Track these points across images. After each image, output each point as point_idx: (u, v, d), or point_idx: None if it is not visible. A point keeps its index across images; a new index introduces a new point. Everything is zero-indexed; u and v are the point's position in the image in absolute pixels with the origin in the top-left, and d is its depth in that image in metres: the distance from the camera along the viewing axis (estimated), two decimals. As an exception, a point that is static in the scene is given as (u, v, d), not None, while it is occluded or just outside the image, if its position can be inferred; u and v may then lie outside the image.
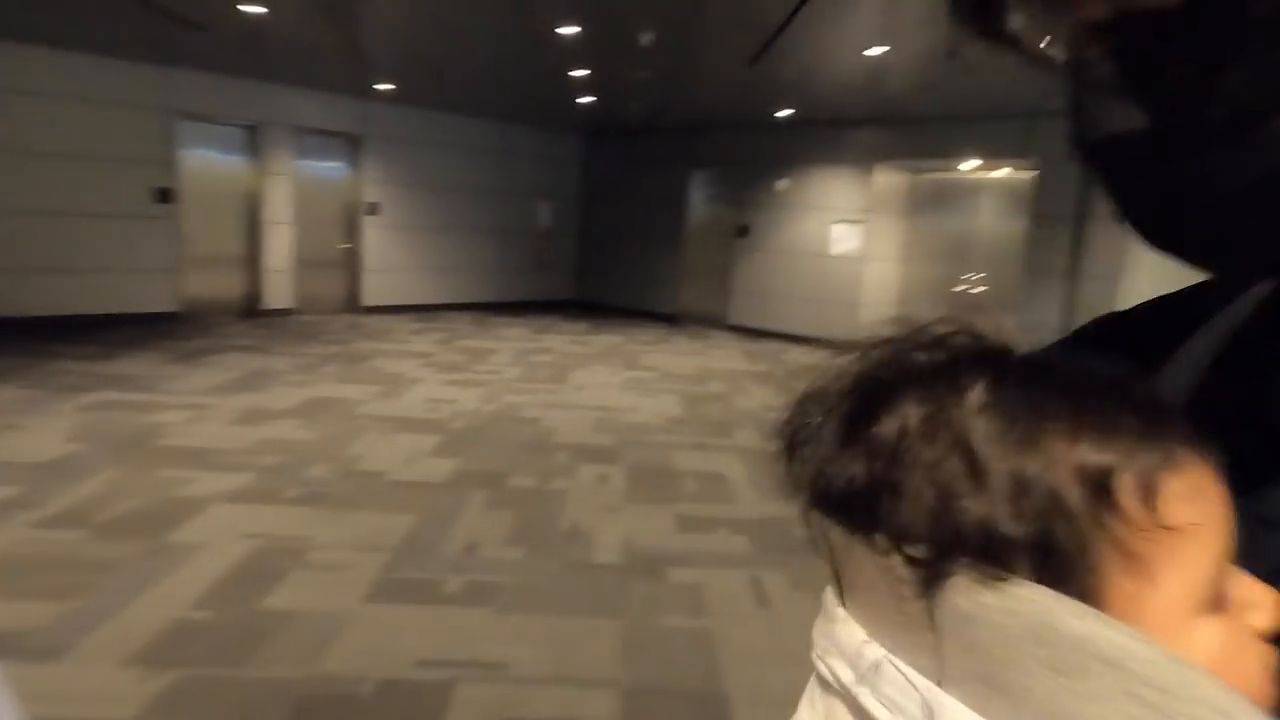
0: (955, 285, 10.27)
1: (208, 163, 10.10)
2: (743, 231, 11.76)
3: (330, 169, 11.20)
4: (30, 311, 8.75)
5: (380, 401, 6.63)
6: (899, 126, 9.96)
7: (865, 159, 10.44)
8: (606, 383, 7.93)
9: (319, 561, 3.67)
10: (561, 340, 10.35)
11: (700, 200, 12.53)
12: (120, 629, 3.02)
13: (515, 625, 3.22)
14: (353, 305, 11.38)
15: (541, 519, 4.35)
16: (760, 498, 4.86)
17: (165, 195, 9.59)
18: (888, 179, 10.44)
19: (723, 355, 9.95)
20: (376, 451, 5.31)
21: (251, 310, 10.55)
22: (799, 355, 9.98)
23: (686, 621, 3.34)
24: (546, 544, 4.04)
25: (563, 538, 4.12)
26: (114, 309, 9.36)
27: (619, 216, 13.48)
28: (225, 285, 10.42)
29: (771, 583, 3.71)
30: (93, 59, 8.77)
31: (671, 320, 12.45)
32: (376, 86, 10.08)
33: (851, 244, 10.62)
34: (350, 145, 11.17)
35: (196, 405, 6.18)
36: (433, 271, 12.19)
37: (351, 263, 11.39)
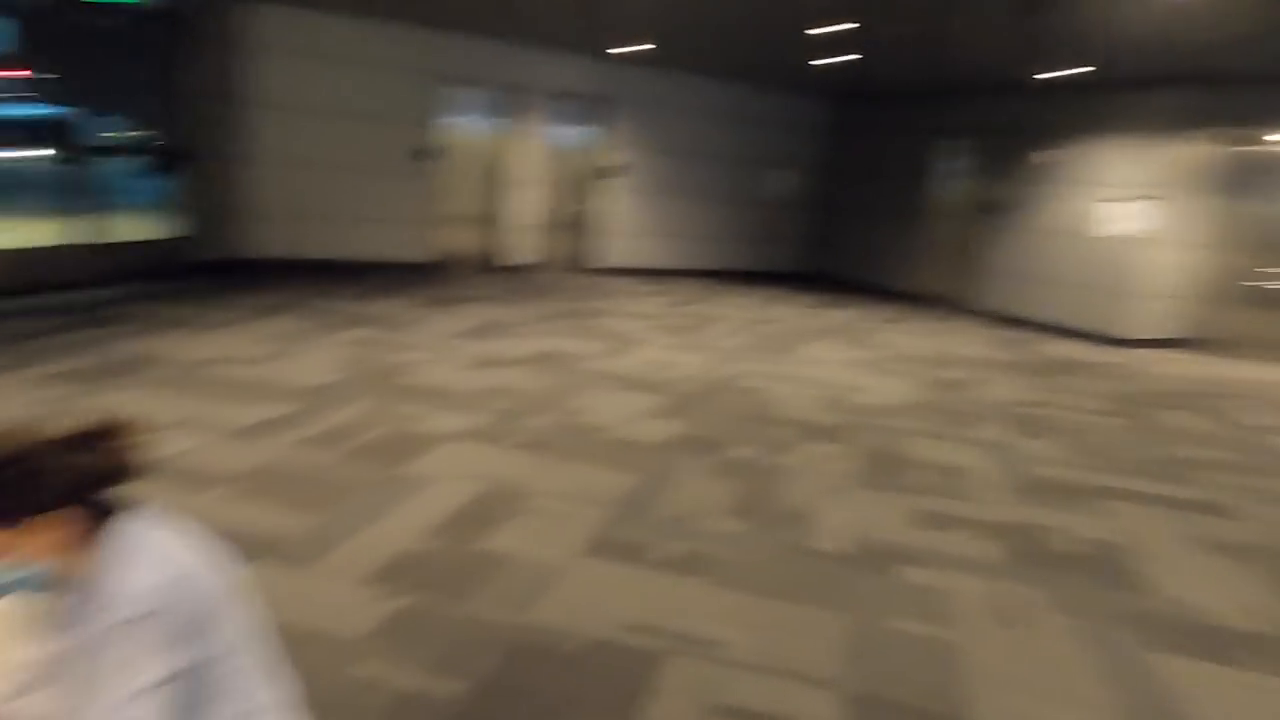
0: (1251, 278, 8.67)
1: (462, 124, 10.73)
2: (993, 207, 10.65)
3: (576, 132, 11.52)
4: (309, 254, 9.81)
5: (606, 359, 6.68)
6: (1203, 88, 8.47)
7: (1151, 126, 8.99)
8: (836, 359, 7.49)
9: (539, 509, 3.68)
10: (790, 312, 9.98)
11: (946, 171, 11.51)
12: (358, 549, 3.18)
13: (730, 603, 3.01)
14: (588, 265, 11.71)
15: (762, 494, 4.10)
16: (1011, 499, 4.29)
17: (423, 154, 10.33)
18: (1177, 150, 8.92)
19: (965, 340, 9.09)
20: (599, 407, 5.32)
21: (494, 265, 11.17)
22: (1054, 347, 8.90)
23: (921, 628, 2.96)
24: (767, 521, 3.79)
25: (785, 517, 3.85)
26: (376, 257, 10.26)
27: (857, 187, 12.76)
28: (472, 240, 11.10)
29: (1024, 599, 3.22)
30: (366, 24, 9.55)
31: (909, 299, 11.61)
32: (624, 49, 10.15)
33: (1126, 224, 9.23)
34: (597, 108, 11.40)
35: (438, 348, 6.56)
36: (667, 236, 12.26)
37: (590, 224, 11.71)
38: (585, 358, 6.66)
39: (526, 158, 11.09)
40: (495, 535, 3.39)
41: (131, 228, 8.82)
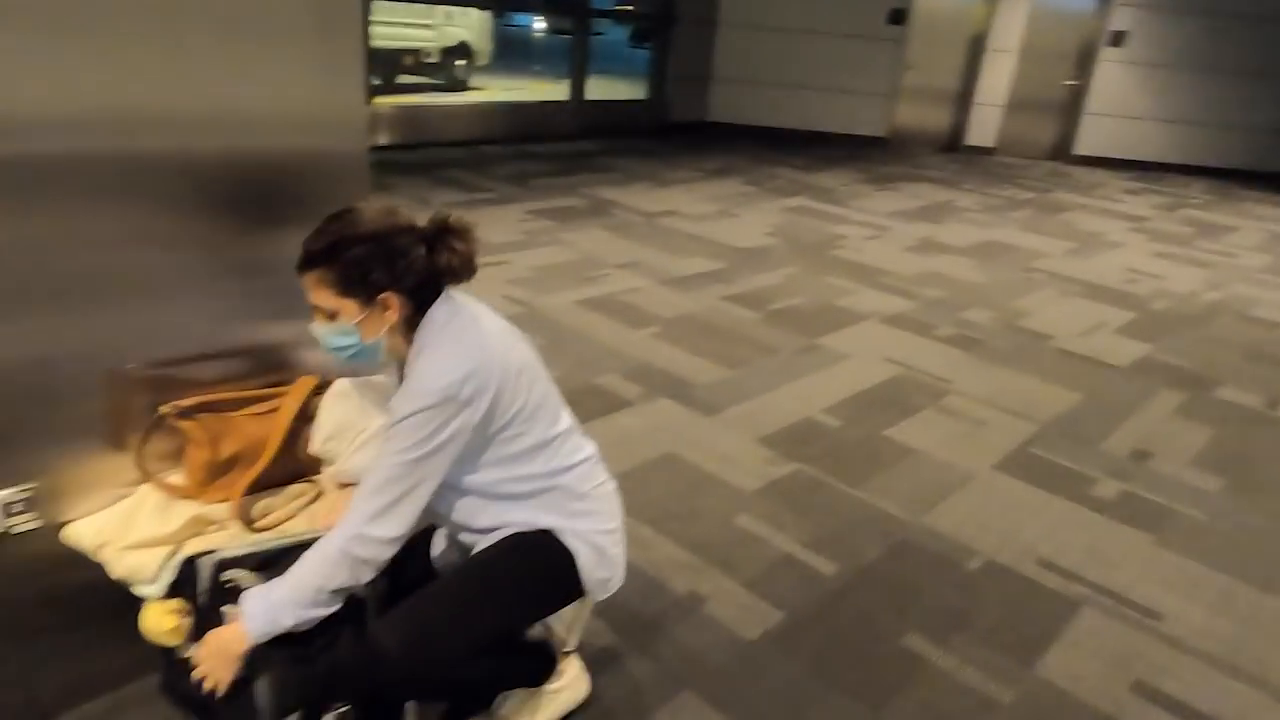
0: None
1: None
2: None
3: (1076, -9, 9.71)
4: (762, 121, 9.93)
5: (1066, 259, 5.75)
6: None
7: None
8: None
9: (955, 408, 3.33)
10: (1341, 233, 7.57)
11: None
12: (762, 408, 3.19)
13: (1182, 571, 2.43)
14: (1061, 152, 10.10)
15: (1254, 452, 3.21)
16: None
17: (898, 17, 9.60)
18: None
19: None
20: (1048, 312, 4.61)
21: (952, 145, 10.22)
22: None
23: None
24: (1253, 486, 2.97)
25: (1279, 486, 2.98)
26: (827, 128, 10.02)
27: None
28: (932, 117, 10.22)
29: None
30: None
31: None
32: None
33: None
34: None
35: (876, 226, 6.23)
36: (1169, 122, 9.92)
37: (1072, 103, 9.99)
38: (1041, 255, 5.80)
39: (1012, 23, 9.70)
40: (902, 425, 3.15)
41: (612, 89, 9.76)
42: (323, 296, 1.35)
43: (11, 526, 1.45)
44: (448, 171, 6.83)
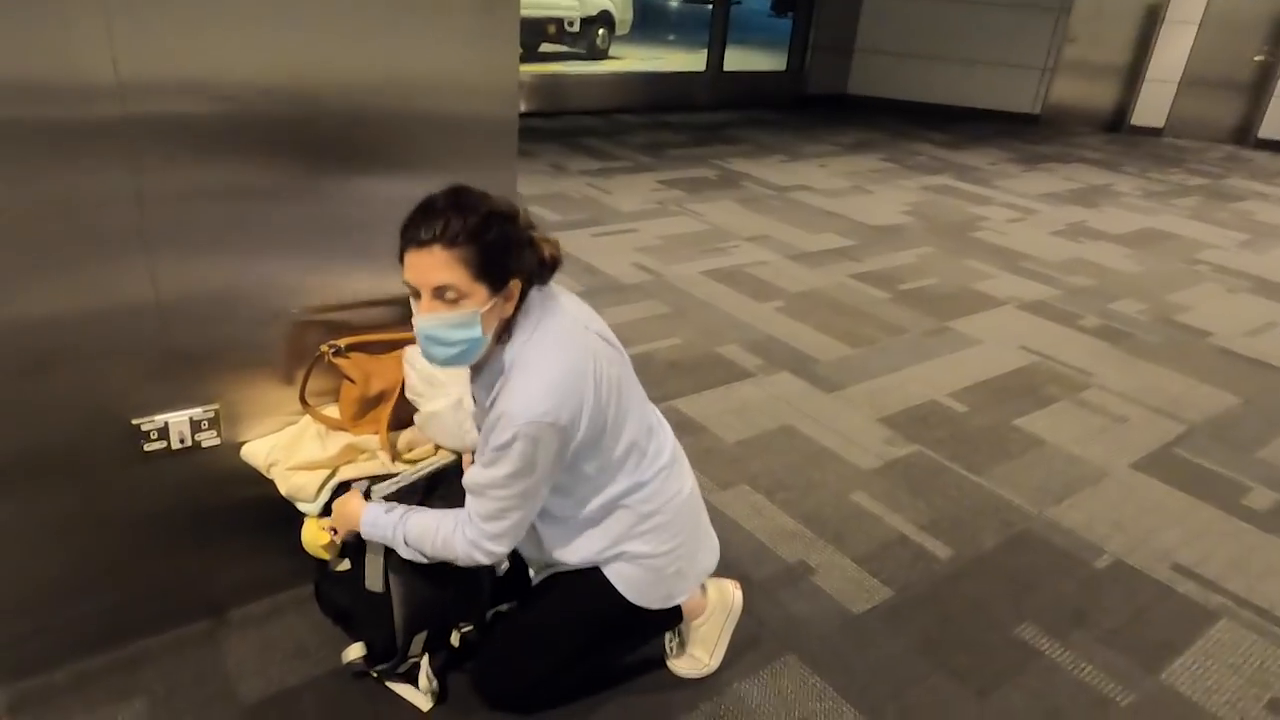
0: None
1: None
2: None
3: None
4: (903, 95, 9.55)
5: (1236, 252, 5.29)
6: None
7: None
8: None
9: (1094, 402, 3.17)
10: None
11: None
12: (885, 388, 3.15)
13: (1341, 591, 2.25)
14: (1242, 135, 9.21)
15: None
16: None
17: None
18: None
19: None
20: (1209, 307, 4.28)
21: (1115, 124, 9.51)
22: None
23: None
24: None
25: None
26: (975, 103, 9.52)
27: None
28: (1093, 94, 9.52)
29: None
30: None
31: None
32: None
33: None
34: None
35: (1023, 208, 5.92)
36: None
37: (1260, 81, 9.07)
38: (1208, 246, 5.36)
39: (1194, -9, 8.88)
40: (1034, 416, 3.03)
41: (749, 60, 9.63)
42: (455, 276, 1.22)
43: (200, 440, 1.64)
44: (583, 139, 6.97)
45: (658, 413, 1.61)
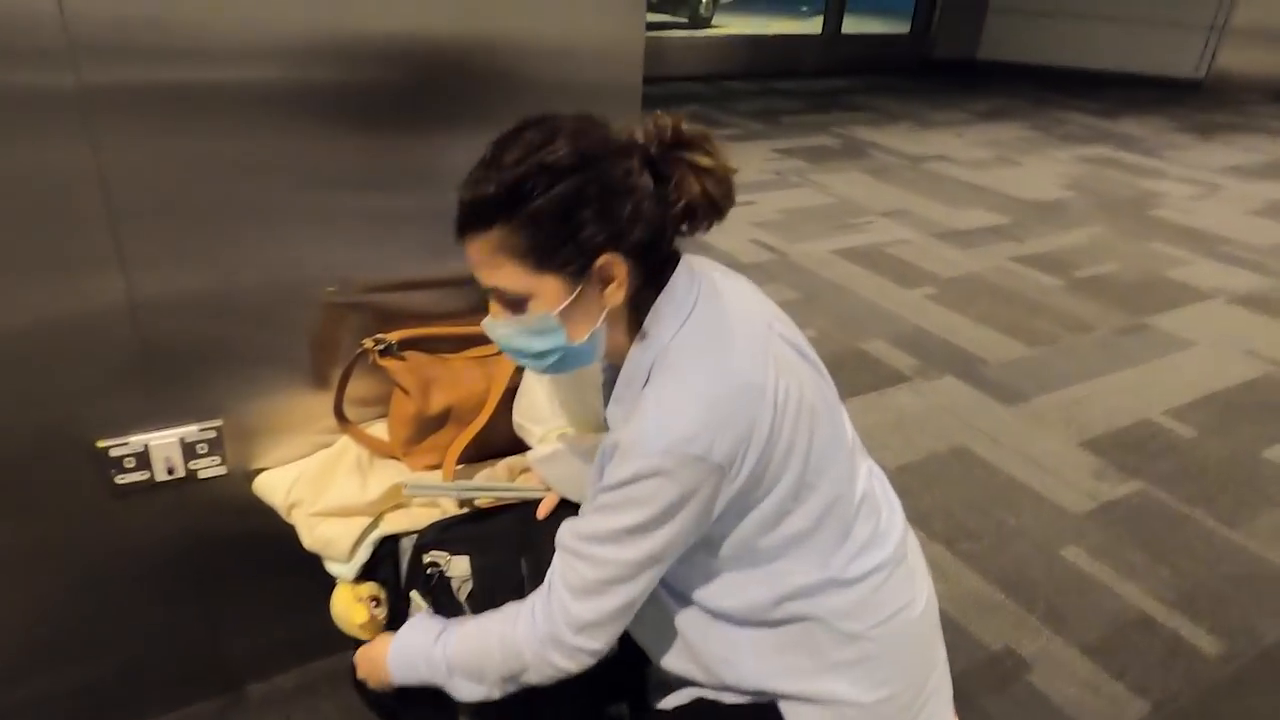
0: None
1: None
2: None
3: None
4: (1041, 59, 8.54)
5: None
6: None
7: None
8: None
9: (1364, 429, 2.44)
10: None
11: None
12: (1081, 401, 2.49)
13: None
14: None
15: None
16: None
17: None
18: None
19: None
20: None
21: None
22: None
23: None
24: None
25: None
26: (1126, 68, 8.44)
27: None
28: (1269, 60, 8.30)
29: None
30: None
31: None
32: None
33: None
34: None
35: (1205, 183, 5.03)
36: None
37: None
38: None
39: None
40: (1276, 440, 2.33)
41: (869, 23, 8.82)
42: (504, 273, 0.80)
43: (197, 470, 1.18)
44: (688, 106, 6.38)
45: (882, 477, 1.03)
